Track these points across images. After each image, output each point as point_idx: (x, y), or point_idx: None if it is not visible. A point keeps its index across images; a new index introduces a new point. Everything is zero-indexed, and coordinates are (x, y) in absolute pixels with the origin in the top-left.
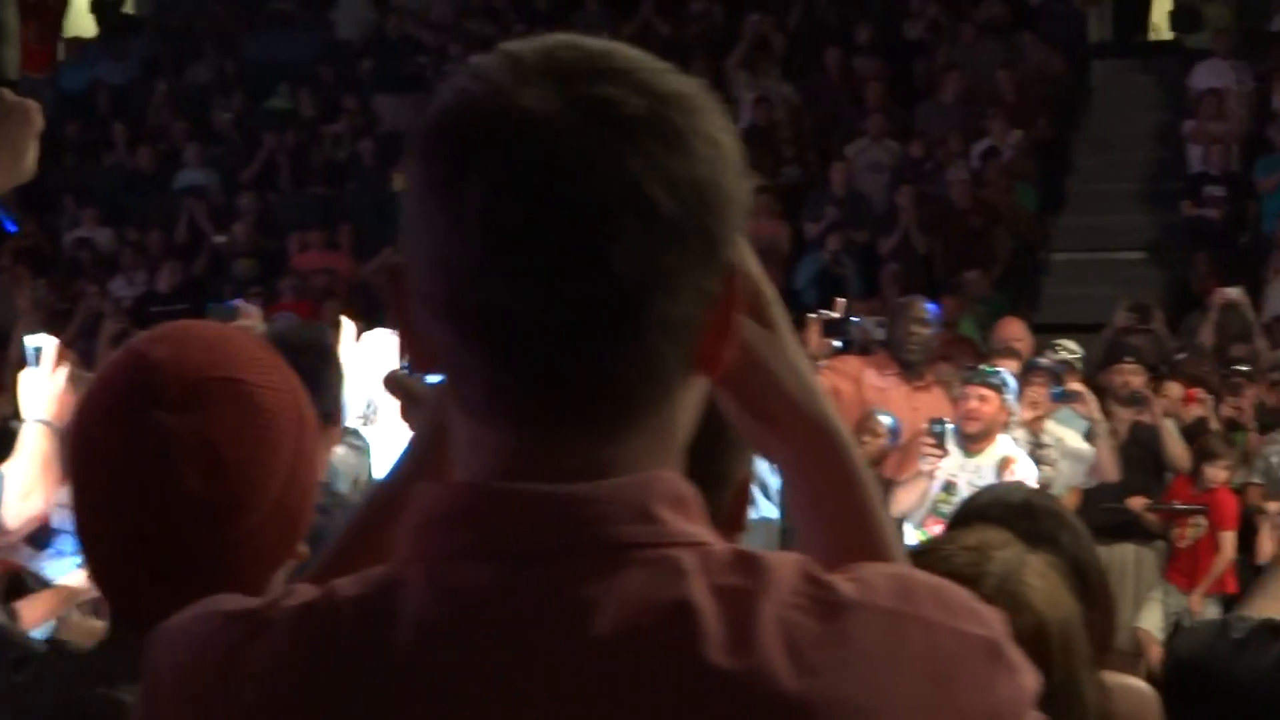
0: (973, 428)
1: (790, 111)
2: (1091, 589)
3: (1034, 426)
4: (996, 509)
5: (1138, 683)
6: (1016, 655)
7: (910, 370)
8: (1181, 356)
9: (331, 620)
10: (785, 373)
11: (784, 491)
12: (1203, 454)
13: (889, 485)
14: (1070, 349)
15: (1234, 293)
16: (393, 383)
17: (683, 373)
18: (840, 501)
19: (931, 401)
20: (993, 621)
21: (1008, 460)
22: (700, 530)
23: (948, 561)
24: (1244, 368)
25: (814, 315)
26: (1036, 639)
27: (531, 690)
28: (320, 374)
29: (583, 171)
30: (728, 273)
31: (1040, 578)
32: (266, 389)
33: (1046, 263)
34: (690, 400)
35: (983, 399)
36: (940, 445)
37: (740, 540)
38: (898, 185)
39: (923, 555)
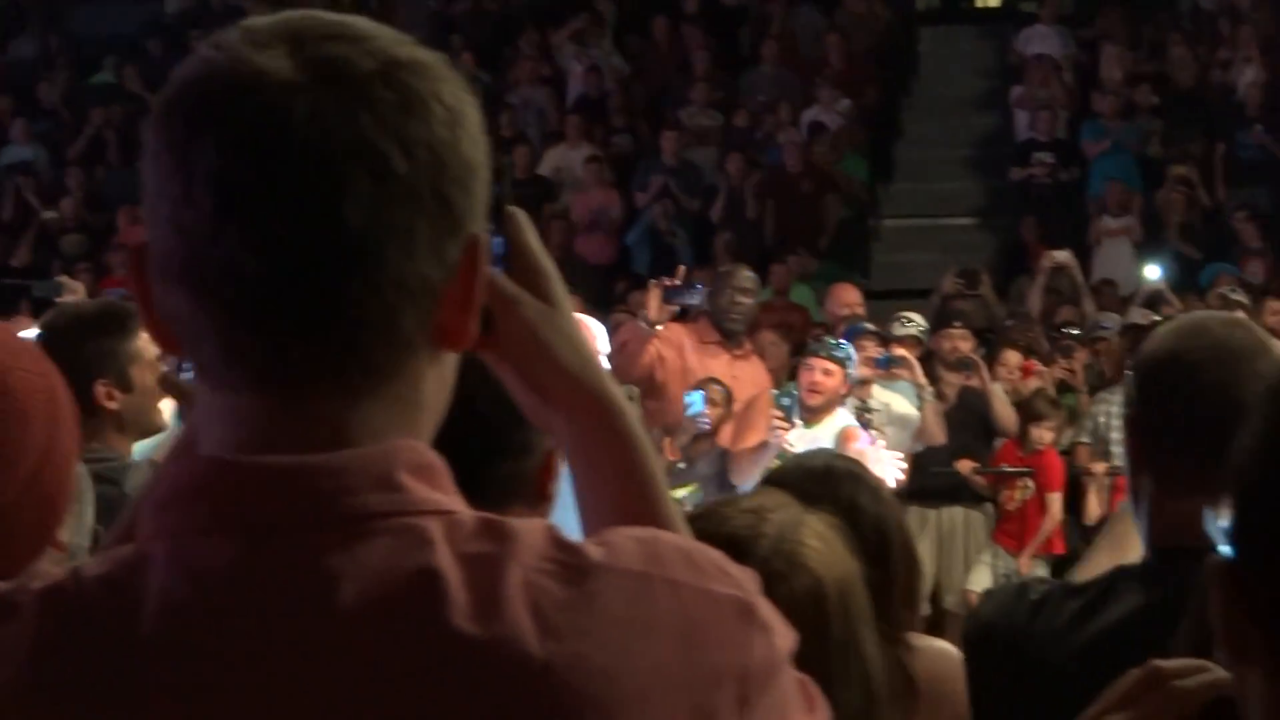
0: (814, 400)
1: (620, 81)
2: (892, 551)
3: (860, 393)
4: (796, 474)
5: (944, 644)
6: (770, 614)
7: (731, 339)
8: (1010, 322)
9: (77, 601)
10: (563, 348)
11: (568, 465)
12: (1029, 416)
13: (725, 455)
14: (916, 321)
15: (1062, 256)
16: (165, 382)
17: (424, 342)
18: (619, 474)
19: (751, 371)
20: (744, 582)
21: (848, 433)
22: (446, 498)
23: (725, 524)
24: (1073, 330)
25: (655, 282)
26: (814, 598)
27: (277, 667)
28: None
29: (313, 127)
30: (470, 243)
31: (818, 538)
32: (16, 370)
33: (877, 229)
34: (437, 374)
35: (827, 373)
36: (788, 417)
37: (548, 511)
38: (727, 153)
39: (701, 518)
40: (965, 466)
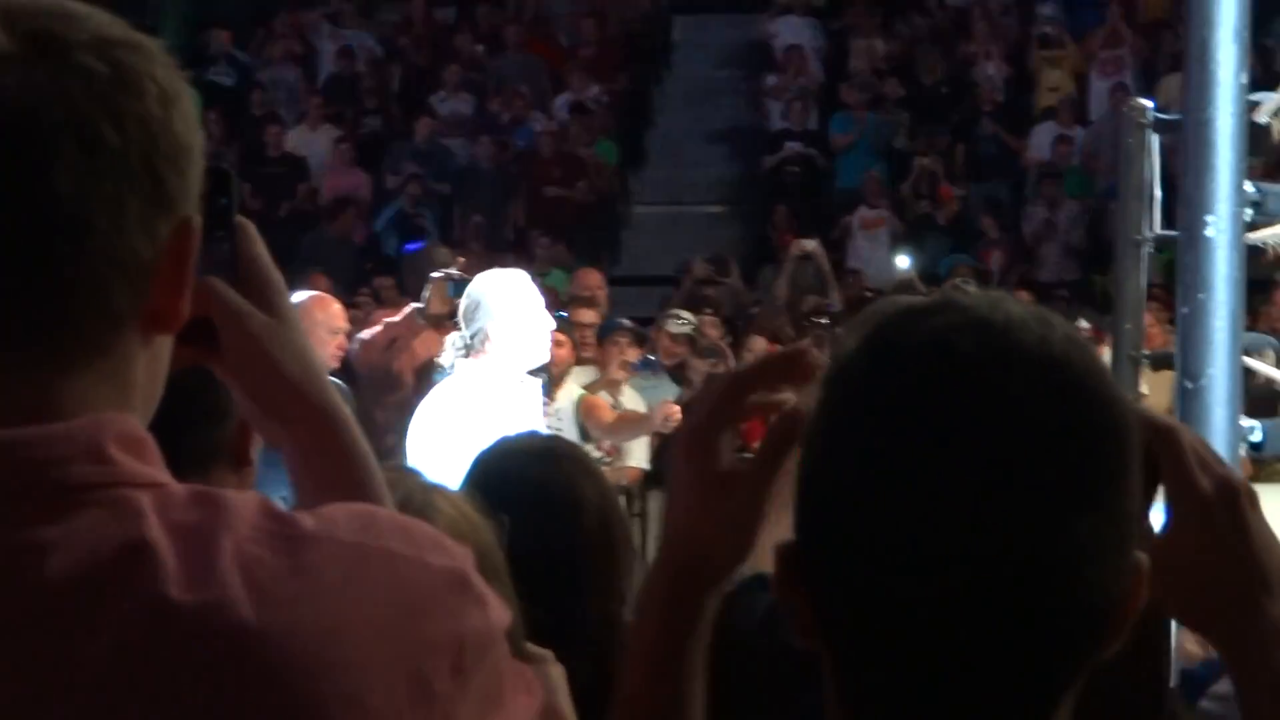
0: (552, 371)
1: (372, 62)
2: (613, 535)
3: (613, 390)
4: (517, 455)
5: None
6: (484, 589)
7: (440, 319)
8: (757, 309)
9: None
10: (288, 362)
11: (291, 481)
12: None
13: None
14: (687, 319)
15: (809, 244)
16: None
17: (135, 321)
18: (341, 489)
19: None
20: (459, 555)
21: (589, 403)
22: (156, 472)
23: None
24: (823, 320)
25: (439, 275)
26: None
27: None
28: None
29: (24, 98)
30: (182, 225)
31: (452, 506)
32: None
33: (627, 216)
34: (151, 356)
35: (558, 344)
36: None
37: (252, 475)
38: (478, 137)
39: None
40: None
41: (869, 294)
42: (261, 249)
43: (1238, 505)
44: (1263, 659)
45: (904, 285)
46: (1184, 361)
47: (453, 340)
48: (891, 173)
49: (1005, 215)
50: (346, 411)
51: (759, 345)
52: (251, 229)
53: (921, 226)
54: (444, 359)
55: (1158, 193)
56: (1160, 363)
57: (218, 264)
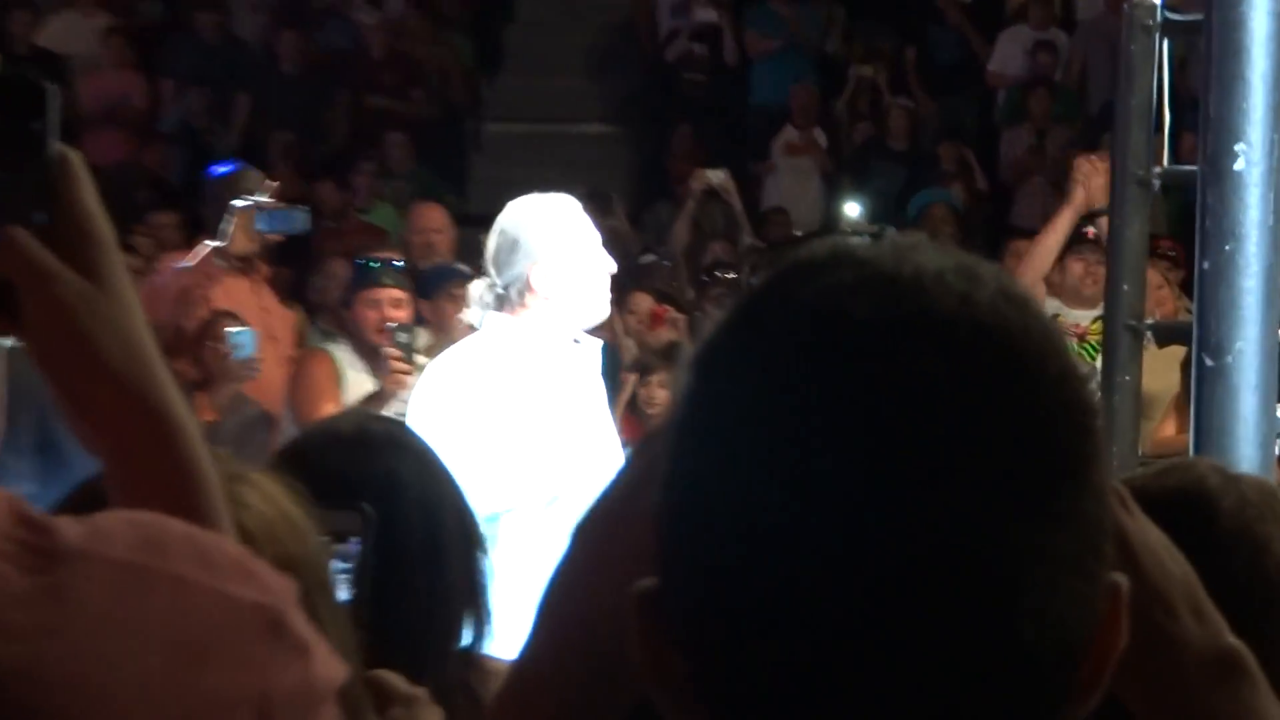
0: (381, 340)
1: None
2: (444, 521)
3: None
4: (322, 439)
5: None
6: (308, 634)
7: (245, 262)
8: (648, 259)
9: None
10: (109, 343)
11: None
12: (645, 373)
13: (268, 420)
14: None
15: (716, 176)
16: None
17: None
18: (171, 514)
19: (271, 295)
20: (276, 587)
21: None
22: None
23: None
24: (729, 274)
25: (243, 204)
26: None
27: None
28: None
29: None
30: None
31: (266, 500)
32: None
33: (477, 136)
34: None
35: (397, 304)
36: (408, 357)
37: None
38: (281, 31)
39: None
40: None
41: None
42: (87, 192)
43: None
44: (1178, 694)
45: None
46: (1203, 333)
47: (479, 290)
48: (824, 86)
49: (971, 143)
50: (184, 413)
51: (644, 305)
52: (76, 164)
53: (862, 156)
54: (469, 314)
55: (1168, 116)
56: (1169, 334)
57: (22, 206)
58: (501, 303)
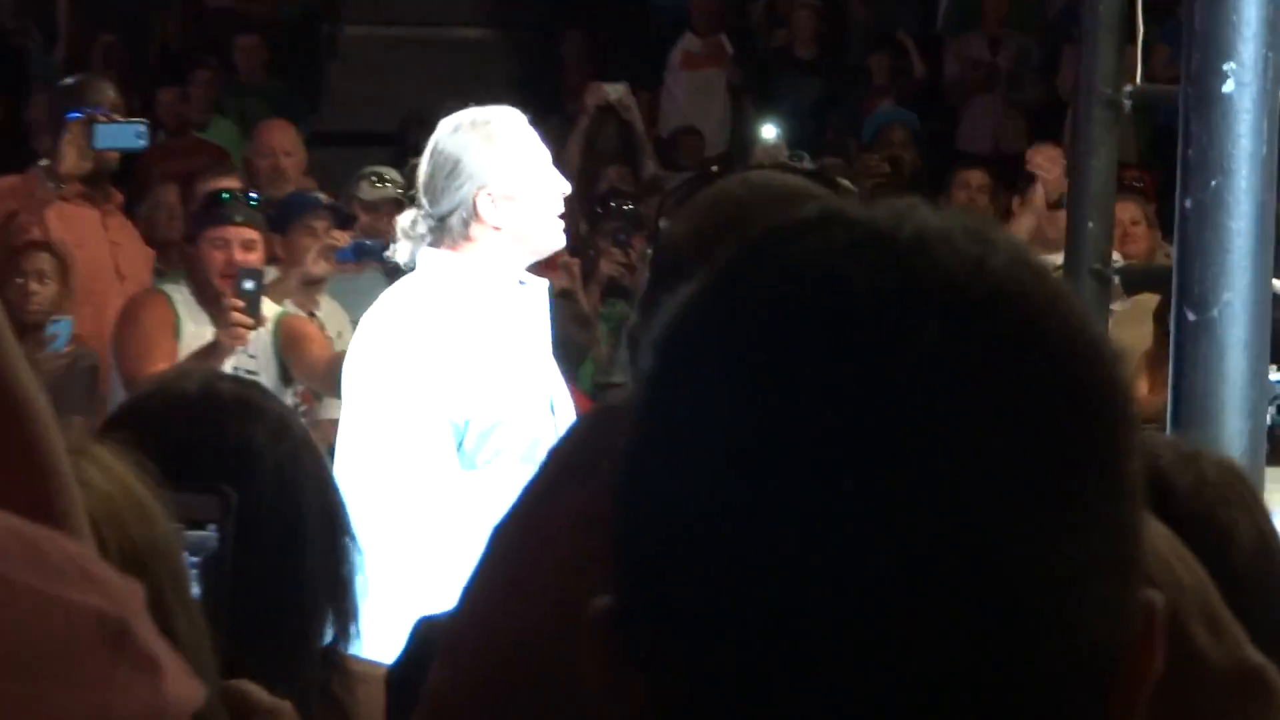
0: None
1: None
2: (304, 499)
3: (307, 296)
4: (162, 402)
5: None
6: (157, 647)
7: (91, 186)
8: None
9: None
10: None
11: None
12: None
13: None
14: (393, 178)
15: (615, 92)
16: None
17: None
18: (12, 497)
19: (125, 227)
20: (121, 594)
21: (292, 328)
22: None
23: None
24: (627, 205)
25: (78, 117)
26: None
27: None
28: None
29: None
30: None
31: (110, 478)
32: None
33: (335, 41)
34: None
35: (249, 245)
36: (254, 309)
37: None
38: None
39: None
40: None
41: (711, 169)
42: None
43: None
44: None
45: (766, 160)
46: (1184, 281)
47: (407, 223)
48: None
49: (907, 53)
50: (28, 386)
51: None
52: None
53: (775, 69)
54: (398, 253)
55: (1140, 24)
56: (1141, 281)
57: None
58: (439, 236)
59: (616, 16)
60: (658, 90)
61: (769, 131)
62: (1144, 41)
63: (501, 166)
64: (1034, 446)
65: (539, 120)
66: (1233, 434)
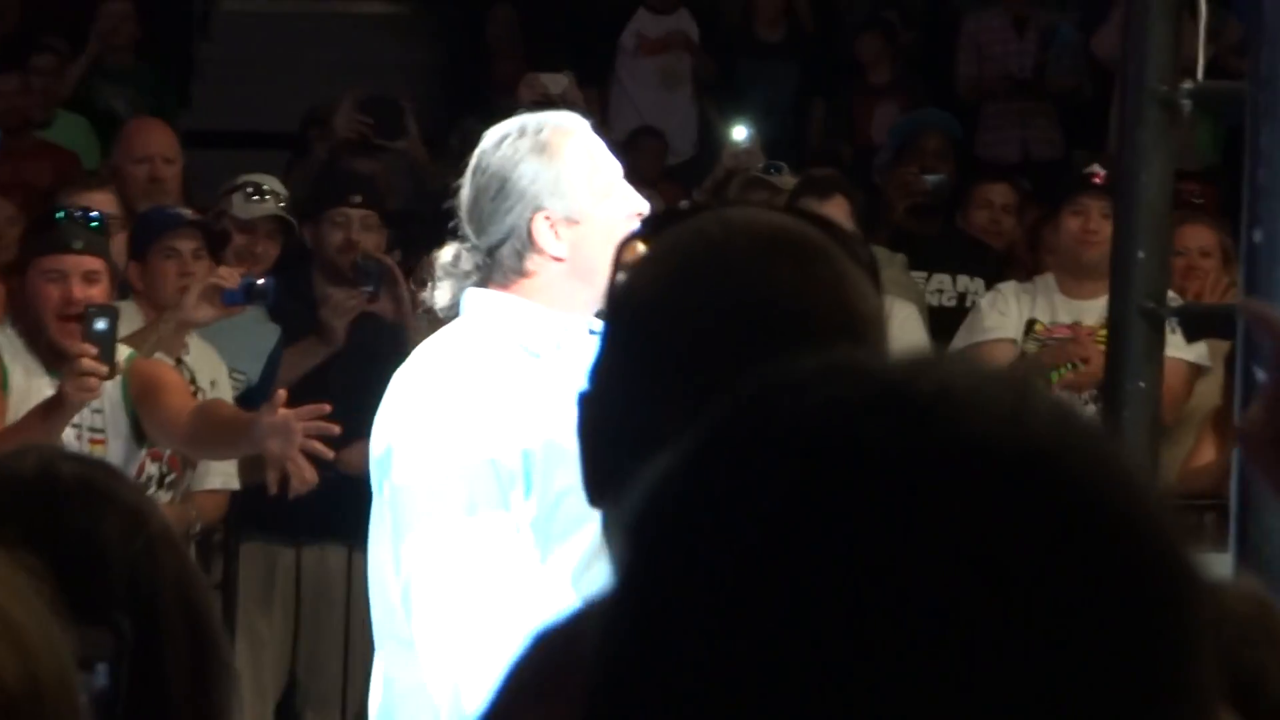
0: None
1: None
2: (158, 605)
3: (173, 343)
4: None
5: None
6: None
7: None
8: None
9: None
10: None
11: None
12: None
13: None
14: (272, 190)
15: (556, 83)
16: None
17: None
18: None
19: None
20: None
21: (143, 375)
22: None
23: None
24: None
25: None
26: None
27: None
28: None
29: None
30: None
31: None
32: None
33: (208, 18)
34: None
35: (92, 277)
36: (108, 355)
37: None
38: None
39: None
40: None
41: (681, 204)
42: None
43: None
44: None
45: (747, 178)
46: (1251, 331)
47: (449, 257)
48: None
49: (899, 33)
50: None
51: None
52: None
53: (745, 52)
54: (437, 295)
55: (1204, 4)
56: (1204, 324)
57: None
58: (488, 273)
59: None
60: (609, 82)
61: (739, 133)
62: (1209, 21)
63: (561, 183)
64: (1082, 647)
65: (460, 116)
66: None
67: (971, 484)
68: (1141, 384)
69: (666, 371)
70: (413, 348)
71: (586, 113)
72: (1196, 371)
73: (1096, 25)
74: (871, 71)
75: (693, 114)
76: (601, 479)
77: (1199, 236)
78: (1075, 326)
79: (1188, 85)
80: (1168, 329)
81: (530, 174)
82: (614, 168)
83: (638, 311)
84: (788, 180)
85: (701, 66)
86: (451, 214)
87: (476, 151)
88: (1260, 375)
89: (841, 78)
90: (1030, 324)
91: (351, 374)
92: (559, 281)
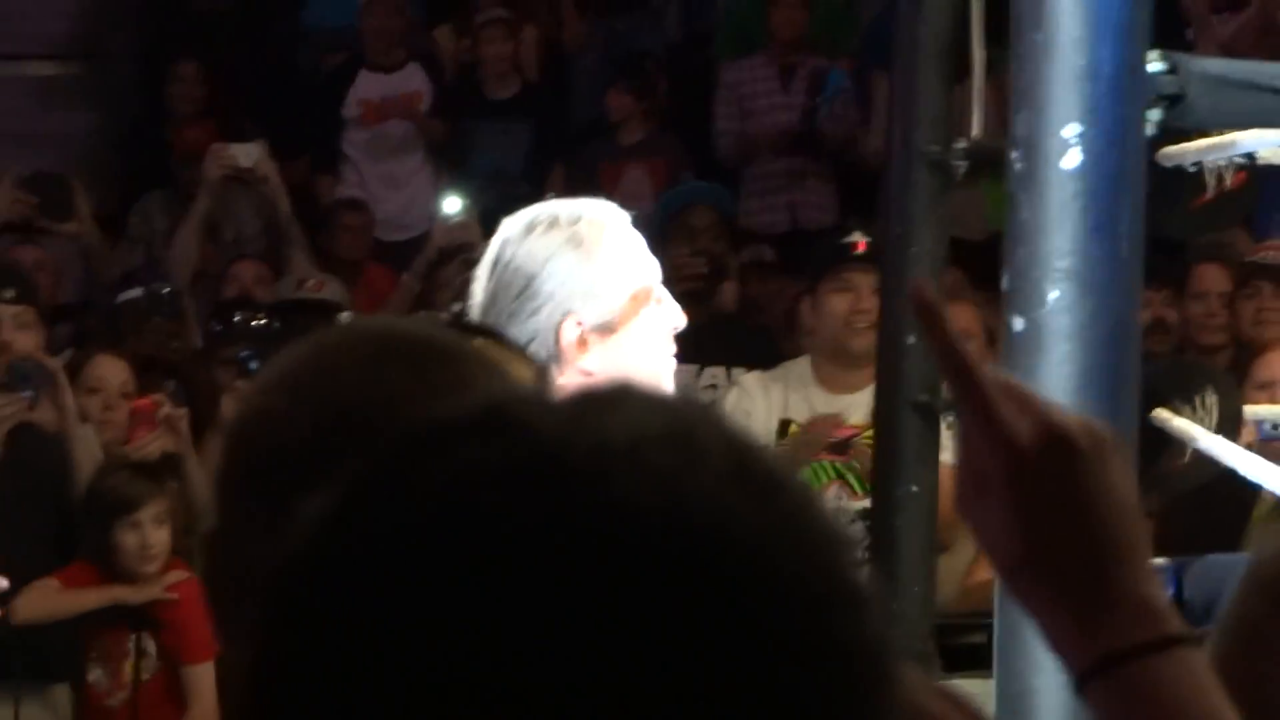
0: None
1: None
2: None
3: None
4: None
5: None
6: None
7: None
8: (131, 295)
9: None
10: None
11: None
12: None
13: None
14: None
15: (247, 155)
16: None
17: None
18: None
19: None
20: None
21: None
22: None
23: None
24: (260, 320)
25: None
26: None
27: None
28: None
29: None
30: None
31: None
32: None
33: None
34: None
35: None
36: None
37: None
38: None
39: None
40: None
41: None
42: None
43: (1070, 457)
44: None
45: (450, 247)
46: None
47: None
48: (428, 3)
49: (647, 82)
50: None
51: (115, 379)
52: None
53: (473, 112)
54: None
55: (979, 48)
56: None
57: None
58: None
59: (251, 41)
60: (332, 153)
61: (451, 205)
62: (987, 75)
63: (597, 284)
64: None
65: (136, 193)
66: None
67: (612, 570)
68: (914, 488)
69: (265, 489)
70: (81, 461)
71: (281, 188)
72: None
73: (873, 71)
74: (620, 131)
75: (426, 183)
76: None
77: (958, 317)
78: (834, 429)
79: (961, 145)
80: (943, 425)
81: (563, 272)
82: (654, 271)
83: (238, 432)
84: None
85: (430, 131)
86: (133, 307)
87: (497, 241)
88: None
89: (585, 138)
90: (784, 425)
91: (7, 494)
92: None
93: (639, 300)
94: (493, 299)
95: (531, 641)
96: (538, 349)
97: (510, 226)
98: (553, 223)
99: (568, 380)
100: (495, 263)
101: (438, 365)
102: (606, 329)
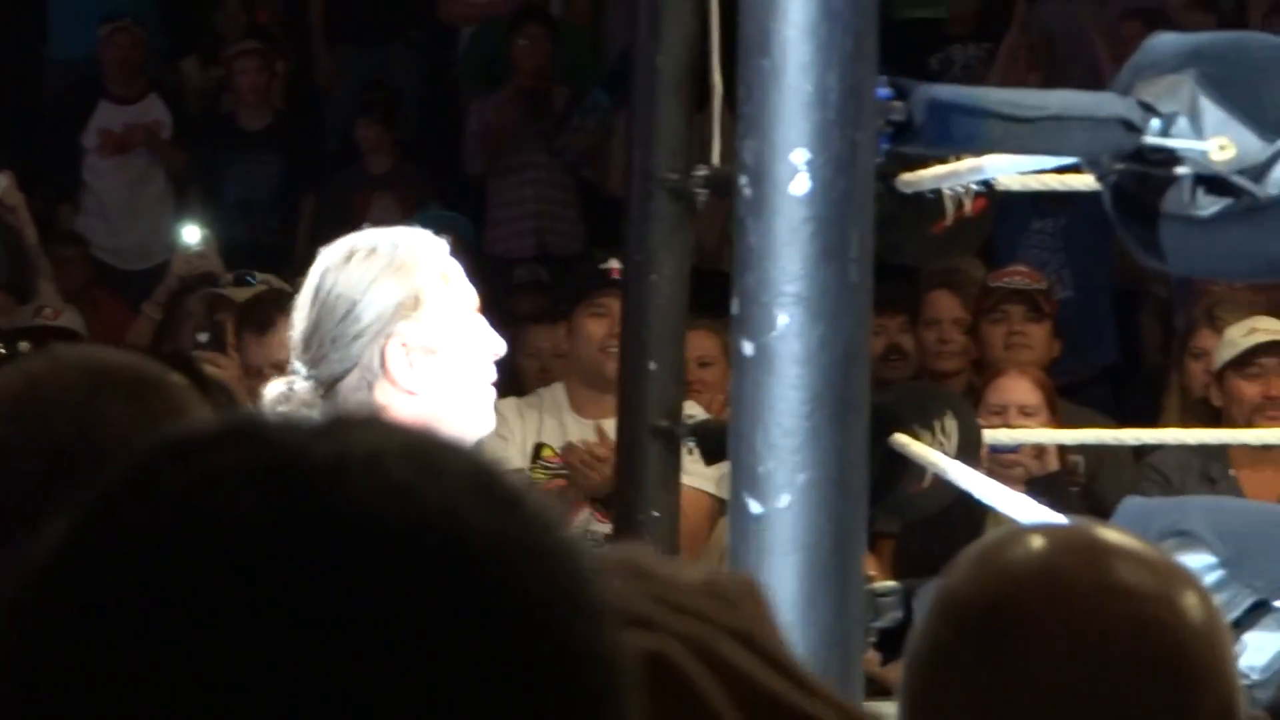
0: None
1: None
2: None
3: None
4: None
5: None
6: None
7: None
8: None
9: None
10: None
11: None
12: None
13: None
14: None
15: None
16: None
17: None
18: None
19: None
20: None
21: None
22: None
23: None
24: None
25: None
26: None
27: None
28: None
29: None
30: None
31: None
32: None
33: None
34: None
35: None
36: None
37: None
38: None
39: None
40: None
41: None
42: None
43: None
44: None
45: (190, 278)
46: (740, 459)
47: (276, 393)
48: (170, 33)
49: (395, 112)
50: None
51: None
52: None
53: (223, 142)
54: None
55: (717, 73)
56: (723, 445)
57: None
58: (329, 409)
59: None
60: (75, 183)
61: (191, 235)
62: (728, 94)
63: (419, 308)
64: None
65: None
66: None
67: (342, 564)
68: (656, 514)
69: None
70: None
71: (28, 218)
72: (719, 504)
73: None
74: (369, 160)
75: (168, 213)
76: None
77: (701, 343)
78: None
79: (701, 172)
80: (684, 451)
81: (385, 296)
82: (473, 297)
83: None
84: (263, 291)
85: (171, 160)
86: None
87: (316, 270)
88: (754, 510)
89: (335, 168)
90: (538, 449)
91: None
92: (406, 419)
93: (460, 324)
94: (315, 326)
95: (256, 646)
96: (362, 372)
97: (329, 255)
98: (372, 250)
99: (393, 401)
100: (317, 291)
101: (153, 394)
102: (429, 350)
